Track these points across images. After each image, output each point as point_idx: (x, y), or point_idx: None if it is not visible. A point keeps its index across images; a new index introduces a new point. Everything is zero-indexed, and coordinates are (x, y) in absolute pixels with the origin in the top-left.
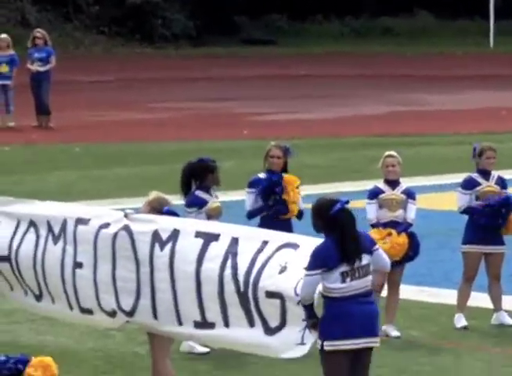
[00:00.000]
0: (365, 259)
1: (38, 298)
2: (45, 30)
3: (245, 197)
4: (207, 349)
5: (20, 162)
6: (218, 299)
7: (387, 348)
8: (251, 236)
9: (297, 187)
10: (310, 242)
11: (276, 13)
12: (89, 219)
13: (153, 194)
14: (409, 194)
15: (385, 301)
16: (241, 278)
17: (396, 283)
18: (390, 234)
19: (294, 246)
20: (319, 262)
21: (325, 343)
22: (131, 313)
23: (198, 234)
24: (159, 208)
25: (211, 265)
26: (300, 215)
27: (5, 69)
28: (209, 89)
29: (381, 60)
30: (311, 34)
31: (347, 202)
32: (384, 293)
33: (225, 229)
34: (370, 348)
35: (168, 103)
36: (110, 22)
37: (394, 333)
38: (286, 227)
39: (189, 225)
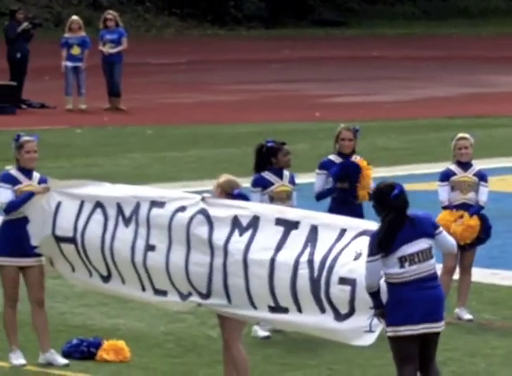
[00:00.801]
0: (426, 243)
1: (106, 278)
2: (117, 12)
3: (314, 179)
4: (268, 333)
5: (92, 144)
6: (289, 286)
7: (460, 331)
8: (330, 223)
9: (368, 169)
10: None
11: None
12: (164, 202)
13: (224, 177)
14: (481, 176)
15: (457, 284)
16: (316, 265)
17: (468, 265)
18: (462, 216)
19: (371, 233)
20: (377, 246)
21: (387, 329)
22: (207, 295)
23: (278, 221)
24: (229, 191)
25: (289, 252)
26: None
27: (76, 51)
28: (281, 71)
29: (453, 42)
30: (382, 16)
31: (401, 187)
32: (457, 276)
33: (305, 216)
34: (435, 333)
35: (240, 85)
36: (182, 4)
37: (467, 316)
38: (357, 211)
39: (268, 212)
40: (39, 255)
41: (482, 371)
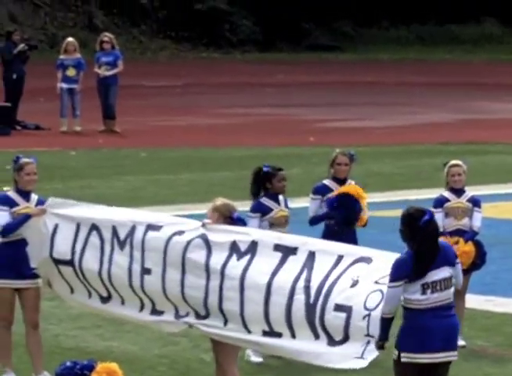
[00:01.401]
0: (447, 272)
1: (106, 299)
2: (112, 34)
3: (308, 204)
4: (261, 359)
5: (86, 167)
6: (284, 311)
7: None
8: (327, 250)
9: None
10: (384, 256)
11: (343, 20)
12: (161, 226)
13: (220, 200)
14: (475, 202)
15: None
16: (313, 291)
17: (462, 292)
18: (457, 242)
19: (368, 260)
20: (402, 272)
21: (402, 354)
22: (205, 317)
23: (277, 247)
24: (228, 215)
25: (285, 278)
26: (365, 223)
27: (72, 72)
28: (275, 95)
29: (447, 68)
30: (377, 40)
31: (431, 213)
32: None
33: (303, 243)
34: (448, 362)
35: (235, 109)
36: (177, 27)
37: (460, 342)
38: (351, 235)
39: (267, 238)
40: (36, 277)
41: None
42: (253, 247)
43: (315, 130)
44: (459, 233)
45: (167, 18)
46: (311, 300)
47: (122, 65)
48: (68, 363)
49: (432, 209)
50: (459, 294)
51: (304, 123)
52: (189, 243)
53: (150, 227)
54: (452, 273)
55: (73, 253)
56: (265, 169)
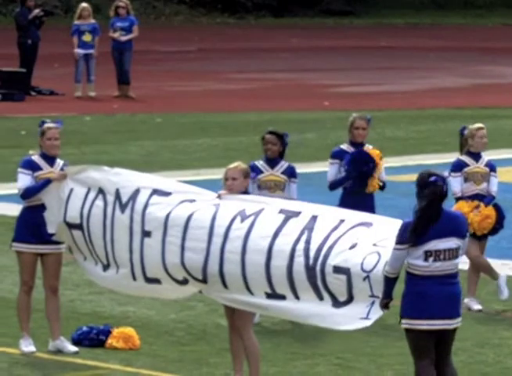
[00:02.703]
0: (454, 243)
1: (105, 268)
2: (127, 0)
3: (327, 168)
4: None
5: (101, 132)
6: (286, 273)
7: (469, 322)
8: (330, 214)
9: (381, 159)
10: (384, 221)
11: None
12: (170, 193)
13: (239, 163)
14: (492, 167)
15: (467, 275)
16: (312, 253)
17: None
18: (478, 206)
19: (368, 224)
20: (407, 236)
21: (402, 321)
22: (204, 281)
23: (282, 211)
24: (248, 176)
25: (286, 240)
26: (382, 186)
27: (88, 38)
28: (290, 60)
29: (462, 32)
30: (391, 5)
31: (444, 179)
32: (466, 266)
33: (308, 207)
34: (453, 329)
35: (249, 74)
36: None
37: (476, 306)
38: (369, 200)
39: (276, 203)
40: (58, 243)
41: (491, 361)
42: (258, 210)
43: (329, 95)
44: (478, 197)
45: None
46: (311, 262)
47: (137, 31)
48: (84, 328)
49: (451, 173)
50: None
51: (318, 88)
52: (197, 210)
53: (156, 192)
54: (459, 245)
55: (81, 216)
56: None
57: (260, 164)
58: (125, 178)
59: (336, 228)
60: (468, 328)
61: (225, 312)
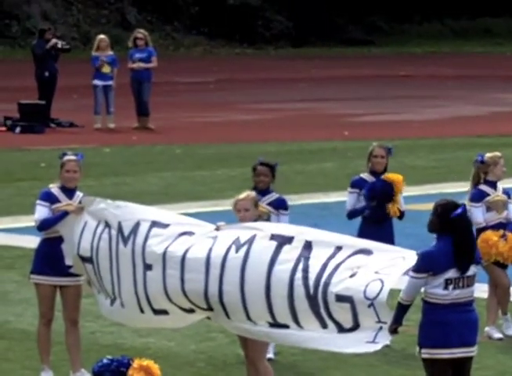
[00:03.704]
0: (472, 270)
1: (112, 301)
2: (145, 31)
3: (346, 197)
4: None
5: (121, 163)
6: (287, 303)
7: (490, 351)
8: (325, 241)
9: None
10: (384, 248)
11: (376, 14)
12: (168, 225)
13: (248, 192)
14: (508, 195)
15: (487, 303)
16: (311, 282)
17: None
18: (504, 235)
19: (368, 252)
20: (428, 265)
21: (422, 350)
22: (209, 308)
23: (273, 237)
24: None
25: (283, 268)
26: (401, 215)
27: (107, 69)
28: (309, 90)
29: (481, 61)
30: (410, 35)
31: (465, 208)
32: (485, 294)
33: (299, 232)
34: (471, 357)
35: (269, 104)
36: (210, 23)
37: (497, 335)
38: (387, 229)
39: (267, 228)
40: (77, 275)
41: None
42: (251, 238)
43: (349, 124)
44: (500, 226)
45: (200, 14)
46: (311, 291)
47: (156, 61)
48: (105, 360)
49: (472, 203)
50: (504, 288)
51: (338, 117)
52: (195, 243)
53: (155, 224)
54: (475, 272)
55: (91, 249)
56: (254, 163)
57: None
58: (126, 211)
59: (333, 256)
60: (489, 357)
61: (240, 343)
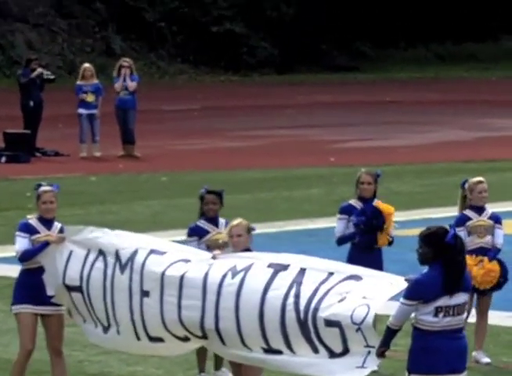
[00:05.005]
0: (463, 298)
1: (106, 329)
2: (130, 59)
3: (335, 223)
4: None
5: (107, 192)
6: (279, 328)
7: (478, 375)
8: (319, 267)
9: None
10: (374, 274)
11: (360, 40)
12: (165, 252)
13: (240, 220)
14: (496, 219)
15: (474, 328)
16: (302, 307)
17: (485, 310)
18: (482, 261)
19: (357, 278)
20: (419, 293)
21: None
22: (204, 337)
23: (270, 265)
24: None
25: (276, 294)
26: (390, 242)
27: (91, 98)
28: (294, 116)
29: (466, 86)
30: (395, 60)
31: (455, 229)
32: (473, 319)
33: (296, 260)
34: None
35: (254, 131)
36: (195, 50)
37: (485, 359)
38: (377, 256)
39: (265, 257)
40: (59, 305)
41: None
42: (248, 265)
43: (335, 150)
44: (481, 250)
45: (185, 42)
46: (302, 316)
47: (136, 85)
48: None
49: (455, 228)
50: (483, 312)
51: (324, 143)
52: (191, 268)
53: (153, 252)
54: (466, 300)
55: (81, 278)
56: (200, 191)
57: (202, 223)
58: (124, 240)
59: (324, 281)
60: None
61: (232, 371)
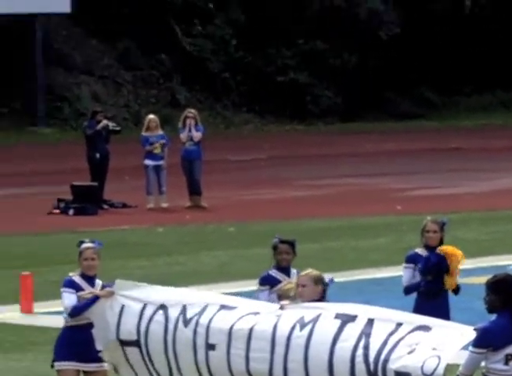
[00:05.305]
0: None
1: None
2: (195, 110)
3: (402, 273)
4: None
5: (174, 243)
6: None
7: None
8: (386, 317)
9: (461, 258)
10: (443, 324)
11: (425, 87)
12: (236, 307)
13: (311, 270)
14: None
15: None
16: (371, 359)
17: None
18: None
19: (426, 328)
20: (488, 341)
21: None
22: None
23: (337, 315)
24: (321, 283)
25: (345, 346)
26: (457, 289)
27: (158, 150)
28: (360, 165)
29: None
30: (460, 107)
31: None
32: None
33: (363, 311)
34: None
35: (320, 180)
36: (260, 100)
37: None
38: (443, 303)
39: (332, 308)
40: (101, 361)
41: None
42: (316, 317)
43: (401, 198)
44: None
45: (250, 92)
46: (372, 368)
47: (201, 136)
48: None
49: None
50: None
51: (390, 192)
52: (260, 321)
53: (224, 307)
54: None
55: (138, 332)
56: (273, 241)
57: (274, 272)
58: (192, 296)
59: (393, 332)
60: None
61: None
